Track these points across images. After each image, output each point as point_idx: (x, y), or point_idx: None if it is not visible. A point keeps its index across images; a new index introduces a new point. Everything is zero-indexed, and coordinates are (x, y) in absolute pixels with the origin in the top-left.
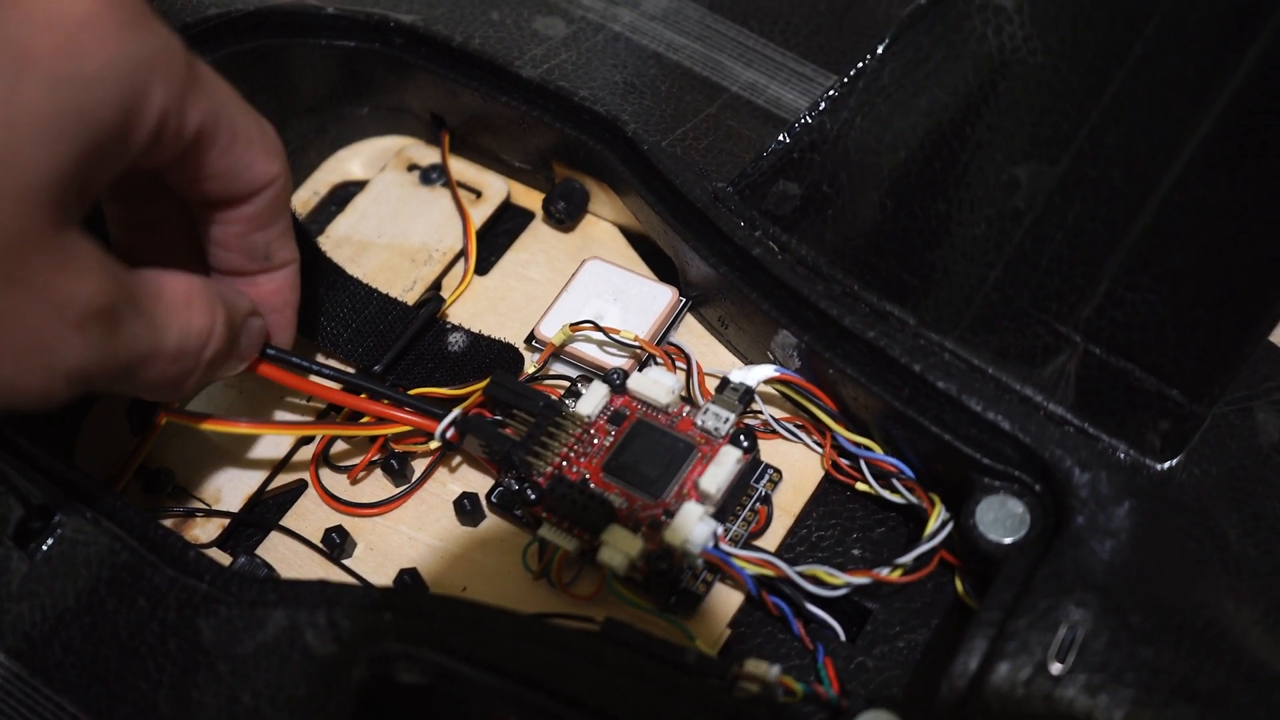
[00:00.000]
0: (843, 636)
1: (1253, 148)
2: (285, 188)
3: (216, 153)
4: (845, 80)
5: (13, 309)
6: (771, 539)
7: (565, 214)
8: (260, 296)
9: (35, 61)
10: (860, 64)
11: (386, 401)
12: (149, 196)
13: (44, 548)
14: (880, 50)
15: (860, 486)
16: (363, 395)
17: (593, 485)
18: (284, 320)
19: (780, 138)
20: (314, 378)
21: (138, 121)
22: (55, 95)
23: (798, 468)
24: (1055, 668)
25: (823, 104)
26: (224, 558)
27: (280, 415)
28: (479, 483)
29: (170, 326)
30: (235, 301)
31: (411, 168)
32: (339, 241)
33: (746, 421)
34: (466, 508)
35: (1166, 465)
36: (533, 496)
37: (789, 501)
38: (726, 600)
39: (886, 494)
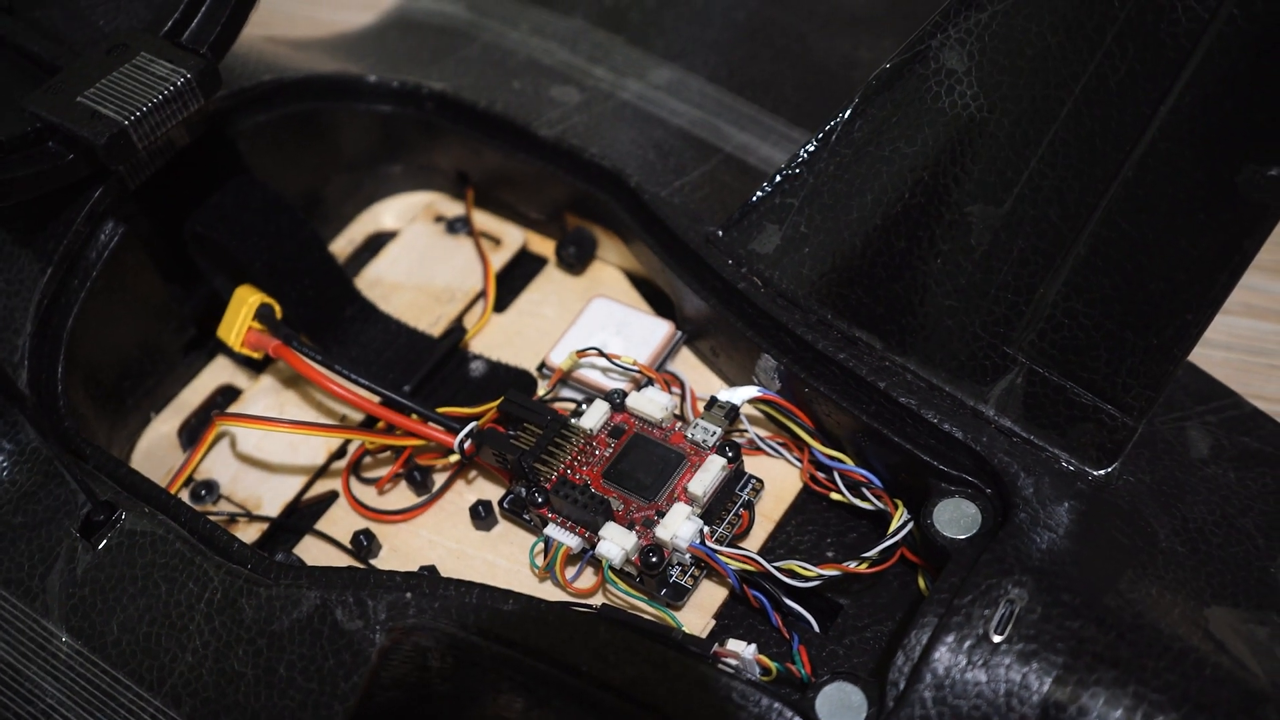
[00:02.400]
0: (816, 628)
1: (1166, 190)
2: None
3: None
4: (820, 135)
5: None
6: (754, 542)
7: (575, 259)
8: None
9: None
10: (833, 121)
11: (414, 416)
12: None
13: (106, 539)
14: (850, 110)
15: (834, 496)
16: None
17: (593, 489)
18: None
19: (764, 186)
20: (354, 387)
21: None
22: None
23: (779, 480)
24: (995, 638)
25: (801, 156)
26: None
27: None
28: (492, 492)
29: None
30: None
31: (438, 219)
32: (372, 283)
33: (733, 439)
34: (481, 514)
35: (1103, 472)
36: (540, 499)
37: (770, 509)
38: (712, 594)
39: (857, 501)
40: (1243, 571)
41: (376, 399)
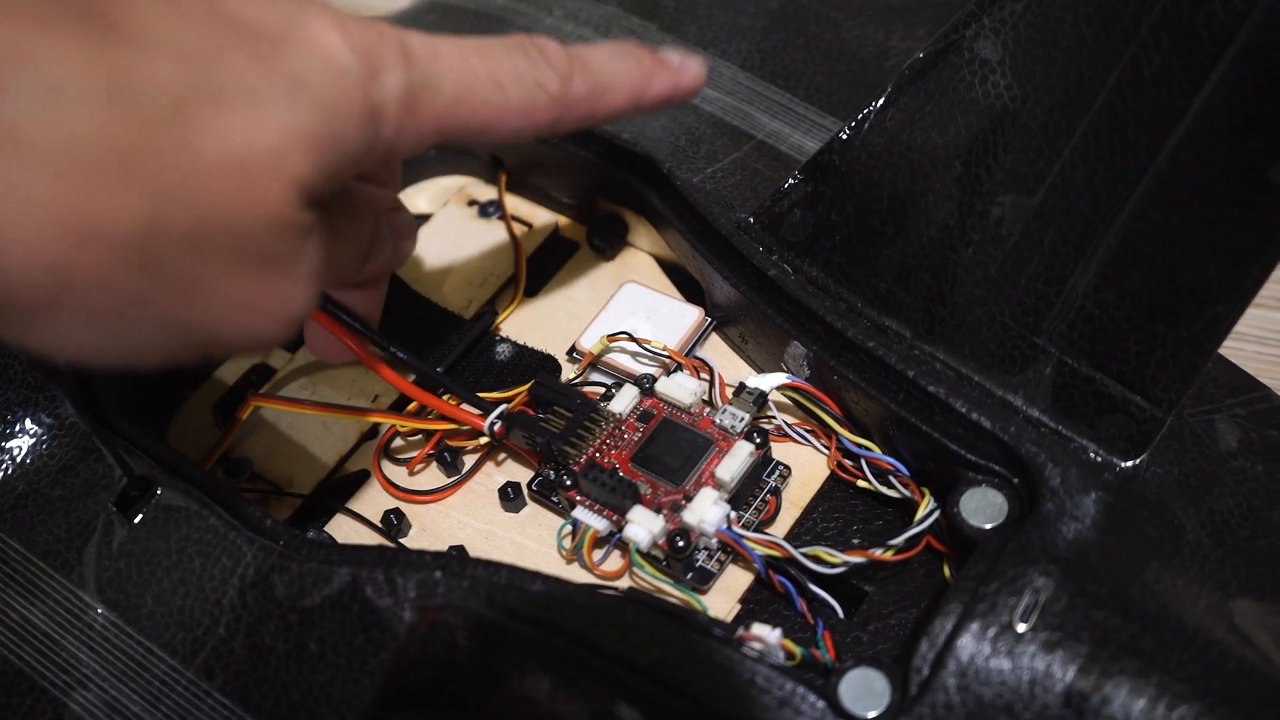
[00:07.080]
0: (841, 614)
1: (1199, 182)
2: None
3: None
4: (852, 124)
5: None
6: (780, 528)
7: (606, 243)
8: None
9: (310, 91)
10: (866, 110)
11: (448, 397)
12: None
13: (142, 513)
14: (882, 98)
15: (861, 484)
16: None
17: (621, 473)
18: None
19: (796, 174)
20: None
21: (371, 154)
22: (322, 120)
23: (806, 467)
24: (1019, 627)
25: (833, 145)
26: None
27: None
28: (521, 474)
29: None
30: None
31: (471, 203)
32: (406, 265)
33: (761, 425)
34: (510, 495)
35: (1130, 464)
36: (568, 481)
37: (797, 496)
38: (738, 579)
39: (884, 489)
40: (1269, 565)
41: (411, 375)
